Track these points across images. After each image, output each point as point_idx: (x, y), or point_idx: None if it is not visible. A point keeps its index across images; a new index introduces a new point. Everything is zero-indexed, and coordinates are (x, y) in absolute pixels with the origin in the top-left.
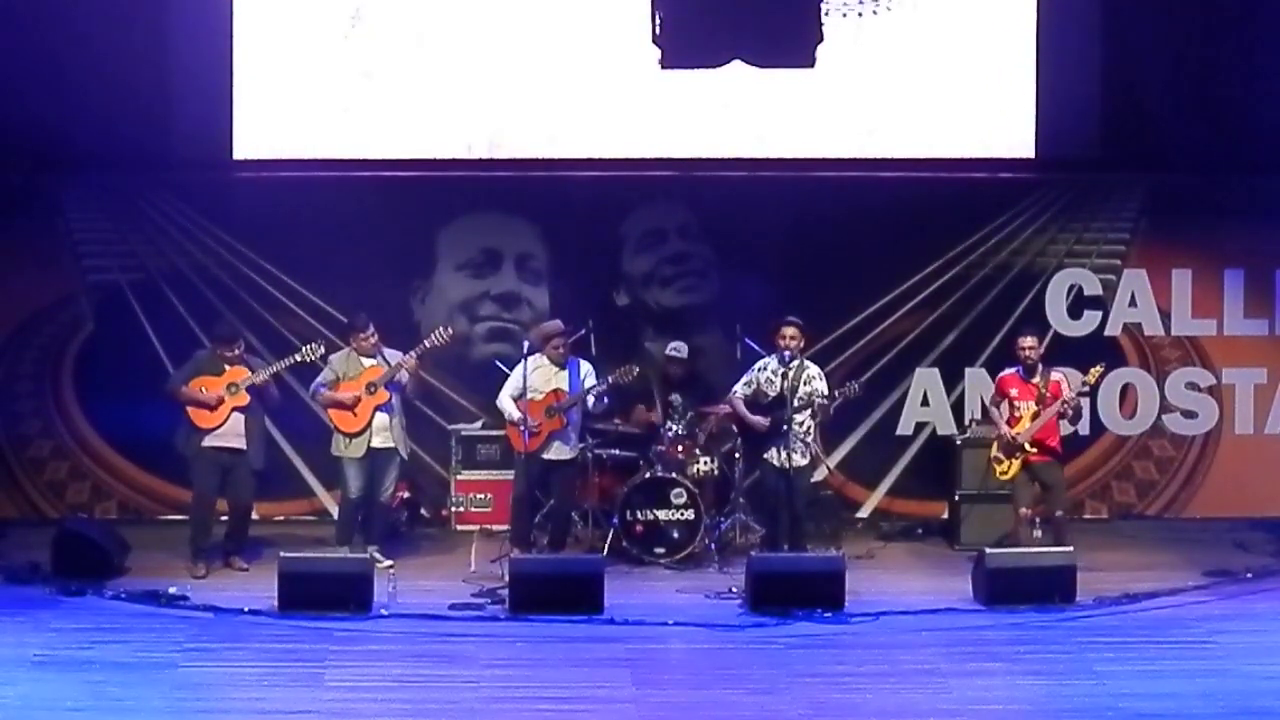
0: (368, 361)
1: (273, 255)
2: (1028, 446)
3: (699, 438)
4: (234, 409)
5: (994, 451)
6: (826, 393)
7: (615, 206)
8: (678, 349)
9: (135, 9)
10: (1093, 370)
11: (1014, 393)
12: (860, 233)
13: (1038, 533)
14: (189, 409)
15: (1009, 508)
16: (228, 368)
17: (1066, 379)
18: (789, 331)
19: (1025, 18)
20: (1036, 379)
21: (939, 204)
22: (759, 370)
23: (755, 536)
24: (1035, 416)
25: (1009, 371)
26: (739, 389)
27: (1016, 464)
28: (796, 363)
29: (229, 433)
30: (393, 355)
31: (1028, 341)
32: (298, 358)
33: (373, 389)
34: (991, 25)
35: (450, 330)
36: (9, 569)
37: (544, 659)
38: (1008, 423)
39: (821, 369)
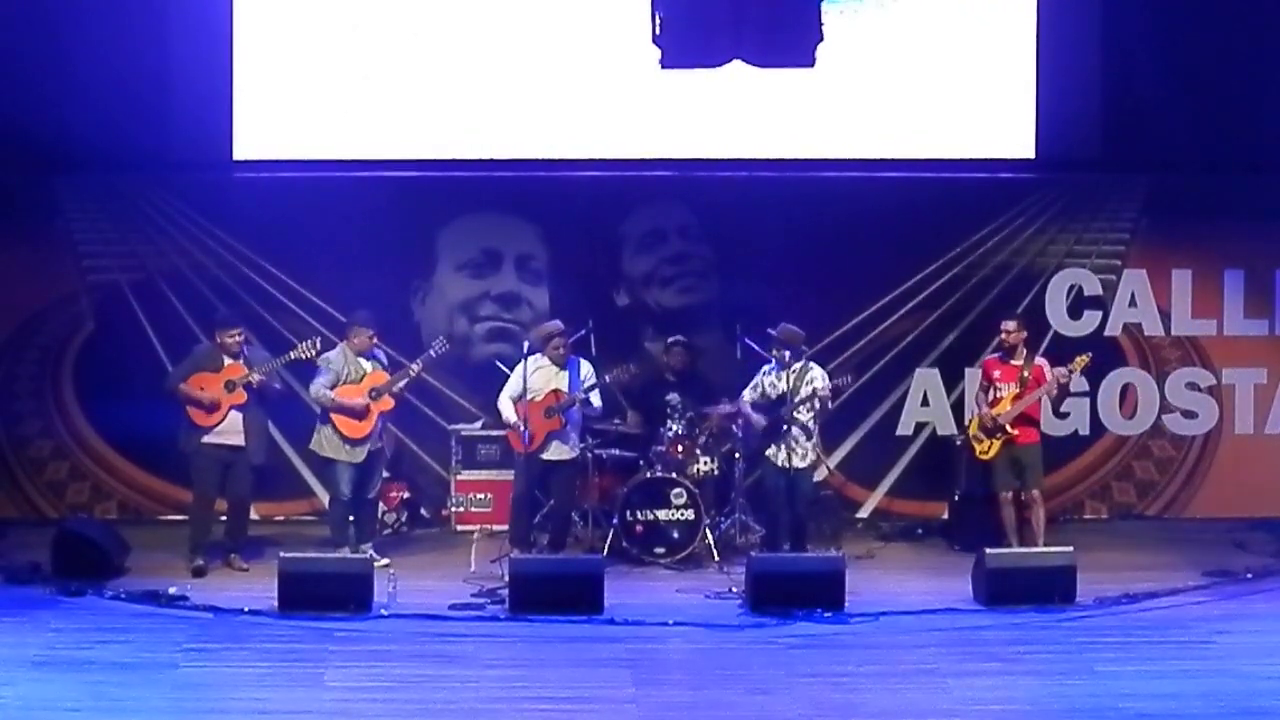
0: (365, 364)
1: (272, 255)
2: (1009, 428)
3: (699, 438)
4: (232, 407)
5: (973, 430)
6: (829, 391)
7: (615, 206)
8: (679, 338)
9: (135, 9)
10: (1078, 359)
11: (996, 375)
12: (860, 233)
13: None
14: (188, 407)
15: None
16: (227, 361)
17: (1049, 365)
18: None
19: (1025, 18)
20: (1018, 361)
21: (939, 204)
22: (763, 374)
23: (755, 536)
24: (1016, 398)
25: (991, 356)
26: (746, 394)
27: (996, 444)
28: (800, 364)
29: (228, 430)
30: (382, 355)
31: (1008, 326)
32: (293, 354)
33: (376, 395)
34: (991, 25)
35: (447, 341)
36: (9, 569)
37: (544, 659)
38: (989, 404)
39: (823, 369)
